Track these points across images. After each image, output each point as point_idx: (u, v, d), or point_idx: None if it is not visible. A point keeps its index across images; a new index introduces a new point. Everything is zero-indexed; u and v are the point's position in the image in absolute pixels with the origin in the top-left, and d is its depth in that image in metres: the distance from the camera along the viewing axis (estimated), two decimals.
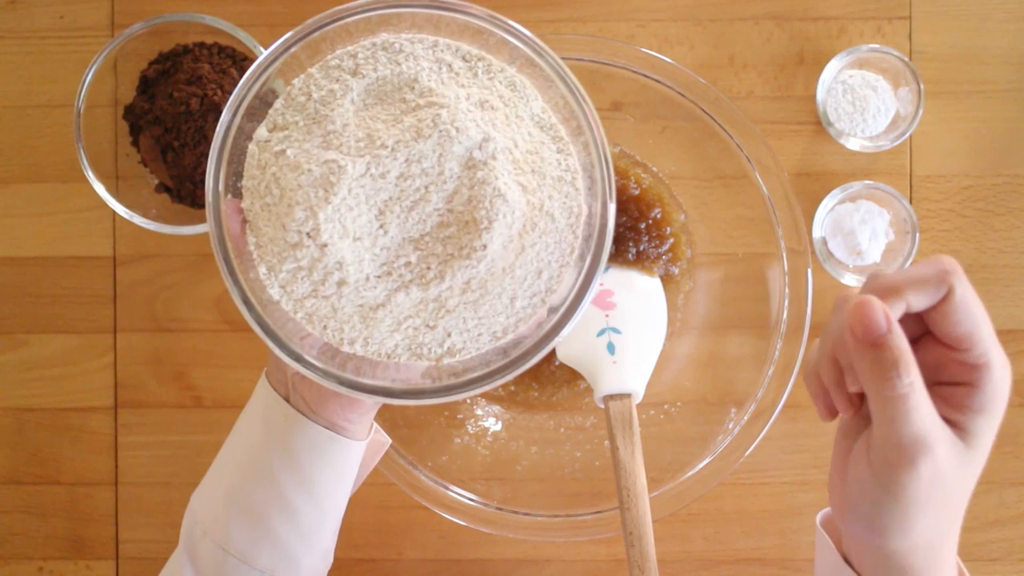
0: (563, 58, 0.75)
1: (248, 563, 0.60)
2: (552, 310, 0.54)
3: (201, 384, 0.83)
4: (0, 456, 0.84)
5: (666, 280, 0.78)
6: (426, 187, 0.51)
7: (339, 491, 0.62)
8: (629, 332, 0.74)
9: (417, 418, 0.80)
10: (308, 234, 0.50)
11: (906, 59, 0.79)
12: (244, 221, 0.52)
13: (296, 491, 0.60)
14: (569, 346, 0.74)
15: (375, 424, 0.65)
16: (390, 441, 0.68)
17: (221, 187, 0.53)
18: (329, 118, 0.52)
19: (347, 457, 0.61)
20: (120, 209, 0.76)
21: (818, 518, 0.57)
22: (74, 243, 0.83)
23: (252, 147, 0.52)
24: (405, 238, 0.52)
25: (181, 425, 0.83)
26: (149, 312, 0.83)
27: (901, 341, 0.44)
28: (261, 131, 0.52)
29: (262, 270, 0.52)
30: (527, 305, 0.54)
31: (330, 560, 0.65)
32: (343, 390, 0.53)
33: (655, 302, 0.77)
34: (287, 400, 0.60)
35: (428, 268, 0.52)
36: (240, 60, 0.80)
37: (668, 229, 0.78)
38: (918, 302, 0.46)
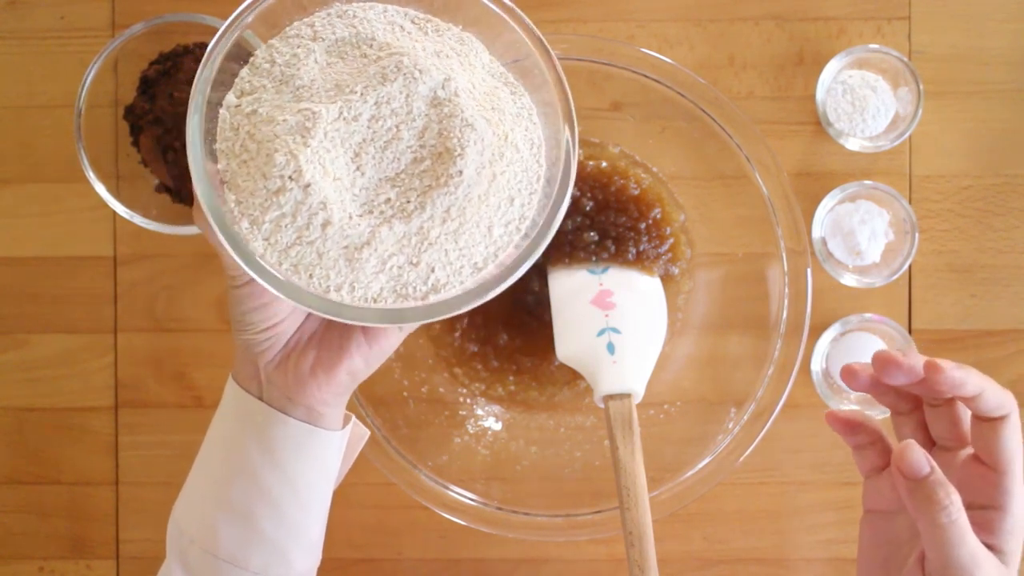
0: (563, 58, 0.76)
1: (240, 566, 0.60)
2: (526, 237, 0.56)
3: (201, 384, 0.83)
4: (0, 456, 0.84)
5: (666, 280, 0.78)
6: (397, 126, 0.53)
7: (322, 485, 0.62)
8: (629, 332, 0.74)
9: (417, 418, 0.80)
10: (290, 177, 0.51)
11: (905, 59, 0.79)
12: (220, 183, 0.53)
13: (280, 488, 0.60)
14: (569, 346, 0.74)
15: (353, 417, 0.65)
16: (368, 433, 0.68)
17: (202, 152, 0.53)
18: (296, 76, 0.53)
19: (327, 450, 0.61)
20: (120, 209, 0.76)
21: None
22: (74, 243, 0.83)
23: (223, 112, 0.54)
24: (382, 177, 0.53)
25: (182, 425, 0.83)
26: (149, 312, 0.83)
27: (942, 476, 0.51)
28: (230, 97, 0.54)
29: (244, 225, 0.52)
30: (503, 233, 0.55)
31: (319, 556, 0.65)
32: (344, 318, 0.53)
33: (655, 302, 0.77)
34: (260, 397, 0.60)
35: (408, 202, 0.53)
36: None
37: (668, 229, 0.78)
38: (982, 406, 0.53)
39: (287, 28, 0.55)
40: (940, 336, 0.82)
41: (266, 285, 0.53)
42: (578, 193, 0.77)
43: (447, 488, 0.77)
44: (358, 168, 0.53)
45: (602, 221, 0.77)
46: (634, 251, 0.77)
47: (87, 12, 0.83)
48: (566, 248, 0.77)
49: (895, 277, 0.79)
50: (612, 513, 0.76)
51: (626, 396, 0.70)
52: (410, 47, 0.55)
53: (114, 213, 0.81)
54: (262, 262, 0.53)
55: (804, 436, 0.82)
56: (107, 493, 0.83)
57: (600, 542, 0.82)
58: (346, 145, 0.53)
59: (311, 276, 0.53)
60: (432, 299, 0.54)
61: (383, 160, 0.53)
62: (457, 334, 0.80)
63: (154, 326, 0.83)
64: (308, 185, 0.51)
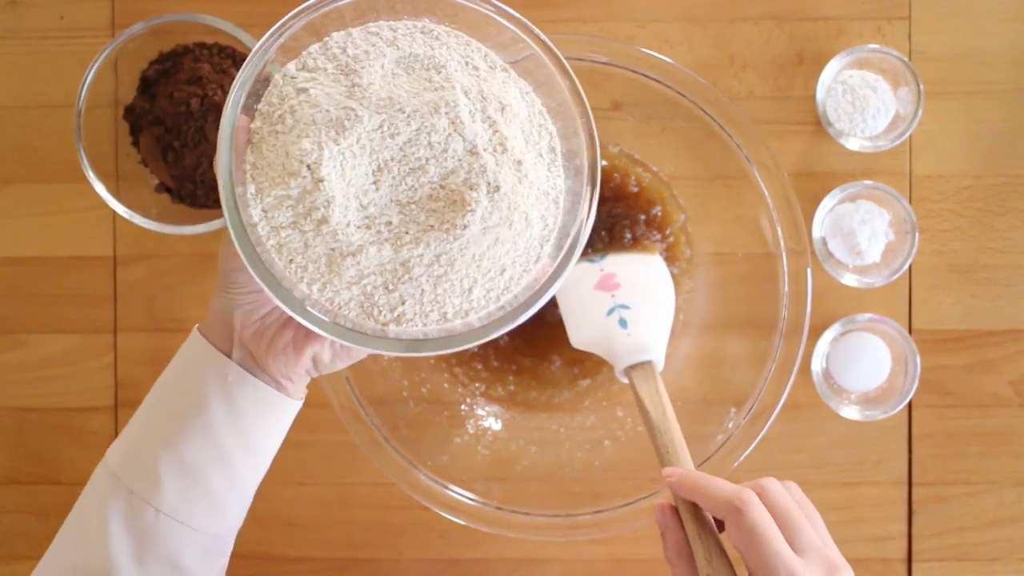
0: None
1: (181, 521, 0.59)
2: (502, 309, 0.56)
3: None
4: (0, 456, 0.84)
5: None
6: (427, 159, 0.54)
7: (273, 448, 0.63)
8: (638, 304, 0.74)
9: (417, 418, 0.80)
10: (309, 166, 0.52)
11: (906, 59, 0.79)
12: (248, 142, 0.54)
13: (237, 448, 0.60)
14: (581, 331, 0.74)
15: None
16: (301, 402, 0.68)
17: (242, 101, 0.54)
18: (358, 73, 0.54)
19: (287, 415, 0.62)
20: (120, 209, 0.76)
21: None
22: (74, 243, 0.83)
23: (277, 78, 0.55)
24: (393, 199, 0.54)
25: None
26: (149, 312, 0.83)
27: (673, 534, 0.60)
28: (290, 67, 0.55)
29: (251, 189, 0.53)
30: (482, 297, 0.55)
31: (243, 516, 0.64)
32: (348, 341, 0.54)
33: (659, 272, 0.76)
34: (229, 356, 0.60)
35: (406, 232, 0.54)
36: (240, 60, 0.80)
37: (668, 229, 0.78)
38: (706, 507, 0.59)
39: (371, 23, 0.56)
40: (940, 336, 0.82)
41: (246, 263, 0.53)
42: None
43: (447, 488, 0.77)
44: (375, 182, 0.54)
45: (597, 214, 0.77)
46: (630, 236, 0.77)
47: (87, 12, 0.83)
48: None
49: (895, 277, 0.79)
50: (612, 512, 0.76)
51: (647, 363, 0.70)
52: (475, 88, 0.55)
53: (114, 213, 0.81)
54: (256, 245, 0.53)
55: (804, 436, 0.82)
56: None
57: (600, 542, 0.82)
58: (373, 157, 0.53)
59: (291, 261, 0.54)
60: (391, 329, 0.55)
61: (401, 184, 0.54)
62: None
63: (154, 326, 0.83)
64: (321, 180, 0.52)
